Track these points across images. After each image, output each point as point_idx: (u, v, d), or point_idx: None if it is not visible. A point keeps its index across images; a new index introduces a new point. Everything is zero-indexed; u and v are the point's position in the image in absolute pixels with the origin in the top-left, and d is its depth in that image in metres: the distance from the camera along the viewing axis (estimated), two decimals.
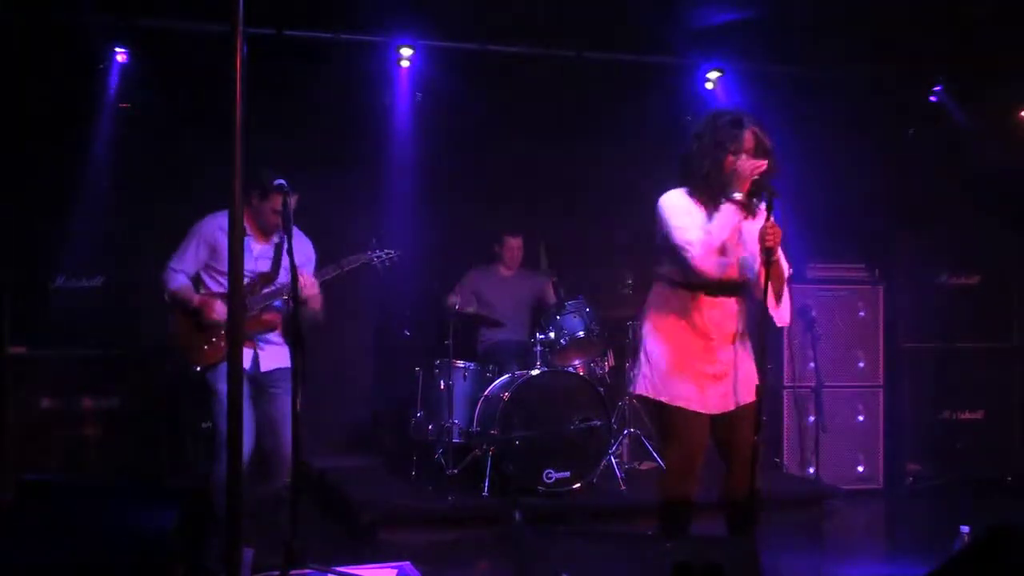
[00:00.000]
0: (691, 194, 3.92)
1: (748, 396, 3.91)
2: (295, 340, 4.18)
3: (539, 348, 6.24)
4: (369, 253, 4.87)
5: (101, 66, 6.24)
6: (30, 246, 6.01)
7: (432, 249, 7.03)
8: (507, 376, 6.21)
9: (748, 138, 3.82)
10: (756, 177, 3.79)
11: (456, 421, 6.17)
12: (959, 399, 7.03)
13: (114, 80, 6.28)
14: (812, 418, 6.67)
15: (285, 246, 4.44)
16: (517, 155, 7.12)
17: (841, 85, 6.95)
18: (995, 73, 6.75)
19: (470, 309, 6.71)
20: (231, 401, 2.93)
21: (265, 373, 4.75)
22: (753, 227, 3.84)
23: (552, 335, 6.27)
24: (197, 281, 4.83)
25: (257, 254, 4.78)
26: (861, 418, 6.87)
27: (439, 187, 7.07)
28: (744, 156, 3.81)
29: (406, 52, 6.64)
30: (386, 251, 4.90)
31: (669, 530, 3.96)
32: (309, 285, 4.59)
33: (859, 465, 6.83)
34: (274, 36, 6.19)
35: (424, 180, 7.01)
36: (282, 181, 4.31)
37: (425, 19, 6.31)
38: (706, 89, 7.16)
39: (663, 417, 3.97)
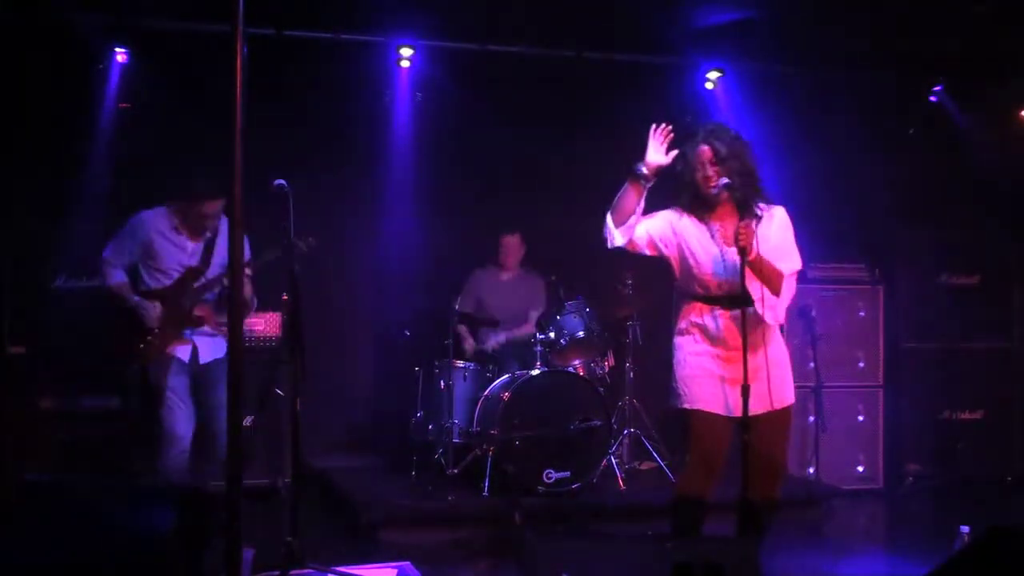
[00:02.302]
0: (686, 211, 4.09)
1: (776, 403, 3.99)
2: (294, 341, 4.23)
3: (539, 348, 6.24)
4: (285, 242, 5.00)
5: (101, 66, 6.25)
6: (30, 246, 6.01)
7: (432, 248, 7.04)
8: (507, 376, 6.21)
9: (705, 152, 3.99)
10: (715, 187, 3.94)
11: (456, 421, 6.17)
12: (959, 399, 7.03)
13: (114, 80, 6.29)
14: (812, 418, 6.66)
15: (216, 241, 5.12)
16: (517, 155, 7.11)
17: (841, 85, 6.96)
18: (995, 73, 6.76)
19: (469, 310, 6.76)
20: (231, 402, 2.94)
21: (204, 365, 5.11)
22: (761, 231, 3.95)
23: (552, 335, 6.27)
24: (135, 272, 5.18)
25: (190, 251, 5.15)
26: (861, 418, 6.86)
27: (439, 187, 7.06)
28: (709, 169, 3.98)
29: (406, 52, 6.64)
30: (306, 239, 5.07)
31: (680, 530, 4.02)
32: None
33: (859, 465, 6.83)
34: (274, 36, 6.19)
35: (424, 180, 7.01)
36: (282, 182, 4.32)
37: (425, 19, 6.32)
38: (706, 89, 7.17)
39: (686, 421, 4.04)
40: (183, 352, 5.06)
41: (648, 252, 4.14)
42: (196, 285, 5.09)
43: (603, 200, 7.11)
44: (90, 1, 5.91)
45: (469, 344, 6.80)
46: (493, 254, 6.96)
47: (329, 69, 6.49)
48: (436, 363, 6.42)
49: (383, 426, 7.22)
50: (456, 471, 5.98)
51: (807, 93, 6.92)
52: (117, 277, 5.10)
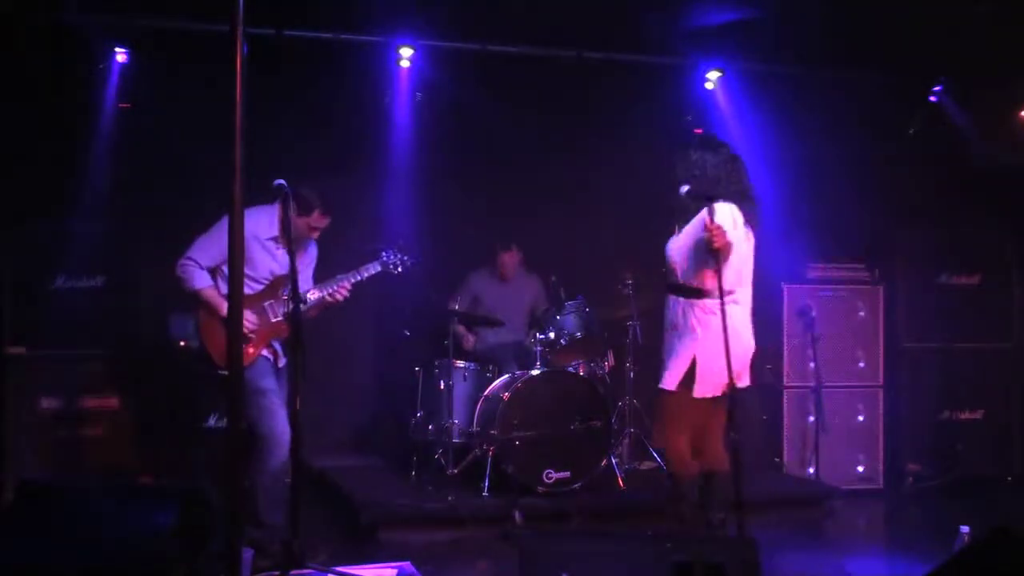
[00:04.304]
0: None
1: (666, 383, 4.72)
2: (295, 340, 4.21)
3: (539, 348, 6.24)
4: (386, 258, 5.16)
5: (101, 66, 6.24)
6: (30, 246, 6.00)
7: (432, 248, 7.02)
8: (507, 376, 6.21)
9: None
10: None
11: (456, 421, 6.17)
12: (959, 399, 7.03)
13: (114, 80, 6.29)
14: (812, 418, 6.66)
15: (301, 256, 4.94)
16: (517, 155, 7.12)
17: (841, 85, 6.96)
18: (995, 73, 6.75)
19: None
20: (232, 401, 2.94)
21: (281, 368, 5.10)
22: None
23: (552, 335, 6.27)
24: (213, 274, 4.99)
25: (279, 258, 5.03)
26: (861, 418, 6.86)
27: (439, 187, 7.07)
28: None
29: (406, 52, 6.64)
30: (401, 256, 5.16)
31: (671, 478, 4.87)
32: (343, 291, 5.06)
33: (859, 465, 6.83)
34: (274, 36, 6.19)
35: (424, 180, 7.01)
36: (282, 182, 4.31)
37: (425, 19, 6.31)
38: (706, 89, 7.16)
39: None
40: (268, 352, 5.01)
41: None
42: (284, 295, 4.99)
43: (604, 198, 7.19)
44: (90, 1, 5.91)
45: (469, 341, 6.79)
46: (492, 254, 6.96)
47: (329, 69, 6.49)
48: (436, 363, 6.42)
49: (383, 426, 7.23)
50: (456, 471, 5.98)
51: (807, 93, 6.92)
52: (205, 280, 4.95)
